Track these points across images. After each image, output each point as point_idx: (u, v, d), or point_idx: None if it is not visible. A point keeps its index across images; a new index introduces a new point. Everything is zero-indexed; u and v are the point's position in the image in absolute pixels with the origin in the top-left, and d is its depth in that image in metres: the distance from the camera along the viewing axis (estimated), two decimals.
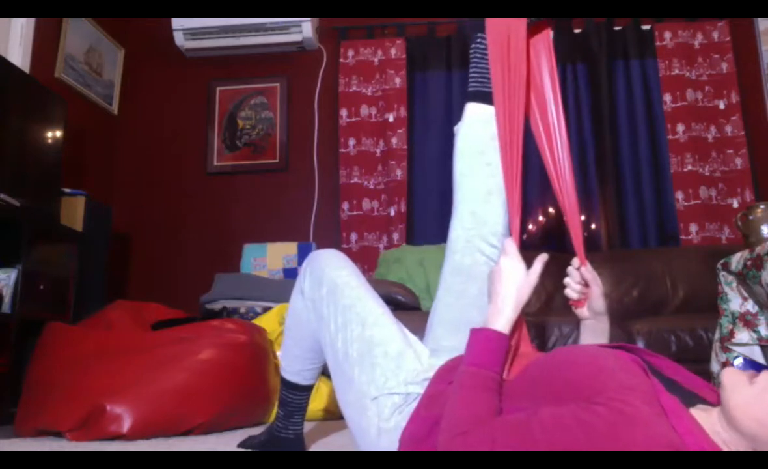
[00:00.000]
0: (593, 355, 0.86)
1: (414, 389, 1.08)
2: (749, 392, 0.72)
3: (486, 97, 1.23)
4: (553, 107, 1.24)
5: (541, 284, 1.15)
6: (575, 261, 1.18)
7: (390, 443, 1.06)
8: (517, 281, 1.02)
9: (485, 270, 1.18)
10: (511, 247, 1.07)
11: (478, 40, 1.27)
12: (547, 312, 2.79)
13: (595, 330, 1.18)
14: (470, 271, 1.20)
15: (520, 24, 1.20)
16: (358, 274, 1.27)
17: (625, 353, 0.87)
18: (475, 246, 1.20)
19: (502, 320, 0.99)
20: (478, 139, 1.23)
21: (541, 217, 3.58)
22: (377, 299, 1.23)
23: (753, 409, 0.71)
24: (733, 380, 0.74)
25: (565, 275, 1.18)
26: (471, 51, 1.29)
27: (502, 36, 1.21)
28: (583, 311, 1.18)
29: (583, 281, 1.16)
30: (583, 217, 3.56)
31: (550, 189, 3.49)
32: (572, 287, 1.17)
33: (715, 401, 0.81)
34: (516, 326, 1.02)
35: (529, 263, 1.06)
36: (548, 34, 1.27)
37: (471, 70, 1.28)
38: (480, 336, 0.98)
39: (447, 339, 1.19)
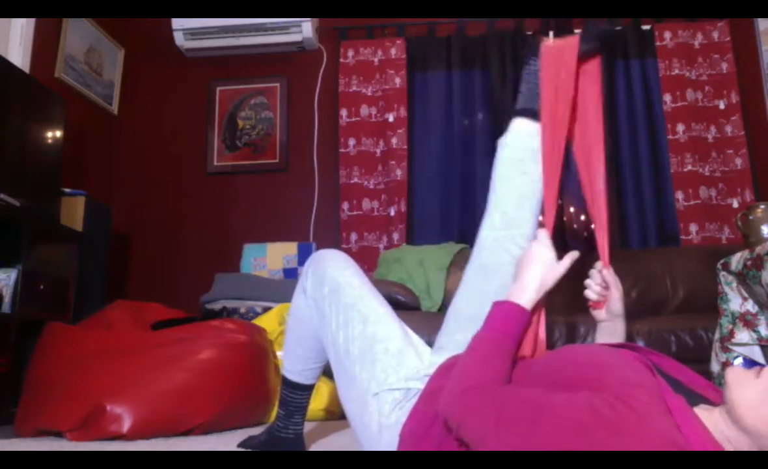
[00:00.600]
0: (599, 352, 0.86)
1: (414, 385, 1.09)
2: (754, 390, 0.72)
3: (532, 114, 1.31)
4: (595, 131, 1.30)
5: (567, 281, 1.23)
6: (598, 264, 1.22)
7: (391, 438, 1.07)
8: (545, 265, 1.08)
9: (509, 270, 1.21)
10: (544, 236, 1.13)
11: (531, 62, 1.35)
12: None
13: (611, 332, 1.20)
14: (494, 269, 1.24)
15: (571, 49, 1.30)
16: (360, 273, 1.28)
17: (630, 352, 0.87)
18: (503, 246, 1.25)
19: (525, 297, 1.04)
20: (520, 149, 1.30)
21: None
22: (379, 298, 1.25)
23: (758, 407, 0.71)
24: (738, 378, 0.74)
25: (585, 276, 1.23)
26: (523, 71, 1.38)
27: (556, 60, 1.30)
28: (600, 313, 1.21)
29: (604, 283, 1.20)
30: (583, 217, 3.56)
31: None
32: (593, 289, 1.21)
33: (718, 401, 0.81)
34: (536, 310, 1.06)
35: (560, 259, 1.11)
36: (597, 62, 1.35)
37: (522, 87, 1.37)
38: (502, 307, 1.03)
39: (459, 333, 1.21)
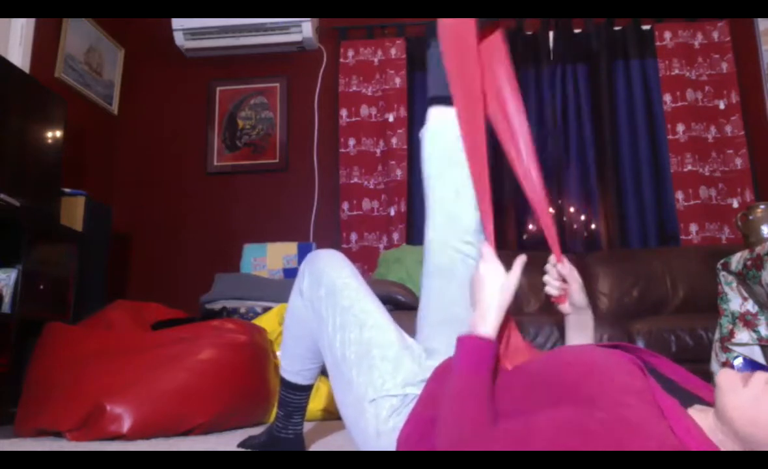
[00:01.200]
0: (591, 356, 0.86)
1: (411, 391, 1.09)
2: (744, 394, 0.72)
3: (446, 101, 1.24)
4: (513, 104, 1.24)
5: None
6: (552, 258, 1.19)
7: (389, 444, 1.06)
8: (497, 284, 1.03)
9: (463, 268, 1.20)
10: (488, 252, 1.08)
11: (431, 45, 1.29)
12: (549, 312, 2.78)
13: (579, 324, 1.19)
14: (448, 270, 1.22)
15: (468, 26, 1.21)
16: (357, 275, 1.27)
17: (623, 354, 0.87)
18: (450, 245, 1.22)
19: (487, 326, 0.99)
20: (444, 140, 1.26)
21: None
22: (376, 301, 1.23)
23: (747, 411, 0.71)
24: (727, 382, 0.74)
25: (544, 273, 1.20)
26: (427, 56, 1.32)
27: (455, 39, 1.22)
28: (565, 307, 1.20)
29: (560, 277, 1.18)
30: (583, 217, 3.56)
31: (550, 189, 3.43)
32: (551, 284, 1.19)
33: (712, 401, 0.81)
34: (504, 325, 1.03)
35: (522, 265, 1.06)
36: (499, 33, 1.28)
37: (429, 75, 1.31)
38: (466, 343, 0.98)
39: (436, 340, 1.20)
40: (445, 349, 1.17)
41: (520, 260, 1.06)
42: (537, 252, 1.22)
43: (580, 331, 1.19)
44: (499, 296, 1.02)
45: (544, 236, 1.22)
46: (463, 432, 0.84)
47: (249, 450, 1.54)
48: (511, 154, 1.24)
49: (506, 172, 3.35)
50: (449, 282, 1.21)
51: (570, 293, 1.17)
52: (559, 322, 2.53)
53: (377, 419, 1.08)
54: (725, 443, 0.74)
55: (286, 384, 1.45)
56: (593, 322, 1.20)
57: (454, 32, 1.22)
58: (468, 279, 1.15)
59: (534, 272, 1.19)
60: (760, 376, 0.72)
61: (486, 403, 0.89)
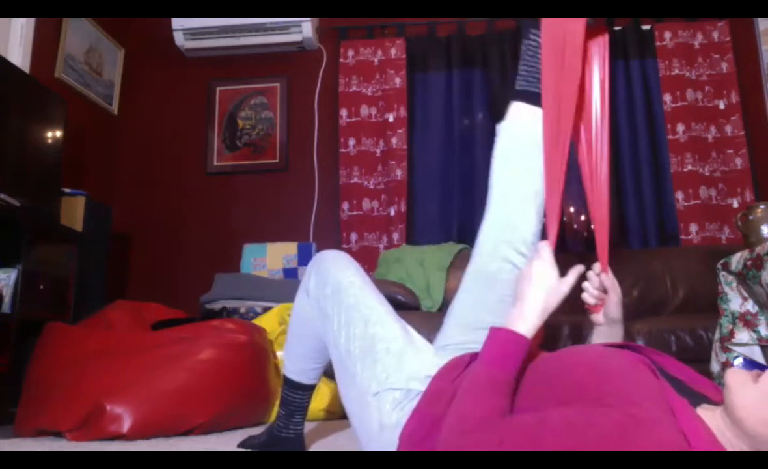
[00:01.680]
0: (601, 356, 0.85)
1: (415, 385, 1.09)
2: (754, 393, 0.72)
3: (534, 99, 1.18)
4: (599, 117, 1.19)
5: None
6: (596, 266, 1.17)
7: (391, 438, 1.06)
8: (547, 287, 0.99)
9: (509, 278, 1.15)
10: (546, 251, 1.03)
11: (531, 36, 1.20)
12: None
13: (607, 336, 1.17)
14: (494, 277, 1.18)
15: (578, 24, 1.13)
16: (363, 275, 1.27)
17: (632, 354, 0.86)
18: (503, 253, 1.17)
19: (527, 325, 0.95)
20: (521, 141, 1.19)
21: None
22: (381, 299, 1.24)
23: (757, 410, 0.71)
24: (737, 380, 0.74)
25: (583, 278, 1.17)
26: (523, 47, 1.23)
27: (558, 37, 1.14)
28: (598, 317, 1.18)
29: (602, 287, 1.16)
30: (583, 217, 3.56)
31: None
32: (590, 292, 1.17)
33: (719, 400, 0.81)
34: (537, 333, 0.99)
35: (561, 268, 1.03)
36: (605, 37, 1.21)
37: (521, 67, 1.22)
38: (500, 336, 0.94)
39: (459, 337, 1.20)
40: (456, 346, 1.17)
41: (577, 269, 1.03)
42: (560, 254, 1.18)
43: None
44: (545, 300, 0.98)
45: (594, 242, 1.18)
46: (471, 422, 0.83)
47: (249, 450, 1.54)
48: (584, 163, 1.19)
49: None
50: (490, 290, 1.18)
51: (607, 305, 1.15)
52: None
53: (380, 413, 1.08)
54: (733, 443, 0.74)
55: (288, 383, 1.45)
56: (623, 337, 1.17)
57: (562, 30, 1.14)
58: (510, 291, 1.10)
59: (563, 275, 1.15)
60: None
61: (503, 399, 0.87)
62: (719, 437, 0.74)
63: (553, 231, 1.11)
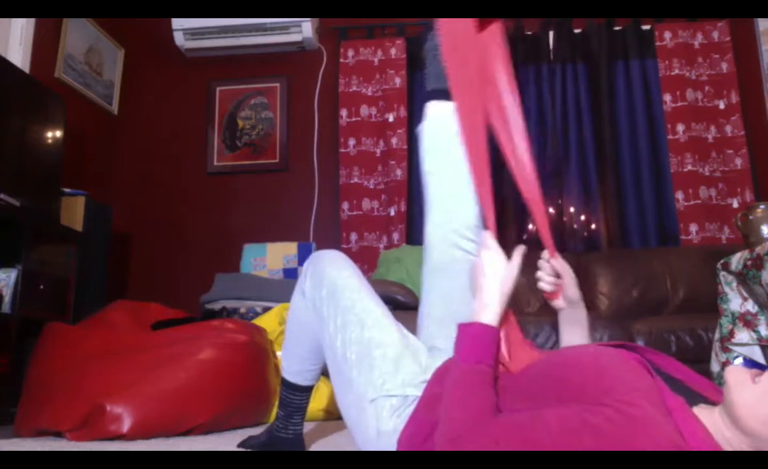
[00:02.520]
0: (596, 355, 0.85)
1: (412, 392, 1.08)
2: (753, 392, 0.72)
3: (444, 95, 1.23)
4: (509, 100, 1.23)
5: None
6: (545, 254, 1.19)
7: (389, 445, 1.06)
8: (499, 272, 1.02)
9: (465, 265, 1.19)
10: (490, 240, 1.07)
11: (428, 38, 1.28)
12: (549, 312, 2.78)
13: (573, 319, 1.19)
14: (450, 267, 1.22)
15: (468, 22, 1.21)
16: (359, 276, 1.27)
17: (628, 353, 0.87)
18: (452, 241, 1.22)
19: (490, 313, 0.99)
20: (442, 135, 1.24)
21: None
22: (377, 301, 1.23)
23: (757, 408, 0.71)
24: (737, 379, 0.74)
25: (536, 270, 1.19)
26: (425, 50, 1.31)
27: (453, 33, 1.21)
28: (558, 302, 1.19)
29: (554, 272, 1.18)
30: (583, 217, 3.56)
31: (550, 189, 3.44)
32: (545, 280, 1.18)
33: (717, 400, 0.81)
34: (504, 317, 1.02)
35: (527, 266, 1.06)
36: (497, 26, 1.27)
37: (428, 69, 1.30)
38: (469, 331, 0.97)
39: (439, 338, 1.20)
40: (448, 347, 1.17)
41: (520, 250, 1.05)
42: (537, 252, 1.21)
43: (575, 325, 1.19)
44: (501, 284, 1.02)
45: (538, 232, 1.21)
46: (462, 425, 0.84)
47: (249, 450, 1.54)
48: (506, 149, 1.22)
49: (506, 174, 3.35)
50: (451, 279, 1.21)
51: (564, 287, 1.17)
52: (555, 322, 2.52)
53: (378, 419, 1.08)
54: (732, 442, 0.74)
55: (287, 384, 1.45)
56: (587, 317, 1.20)
57: (454, 26, 1.21)
58: (469, 277, 1.15)
59: (534, 271, 1.19)
60: None
61: (488, 392, 0.89)
62: (717, 436, 0.74)
63: (490, 218, 1.14)
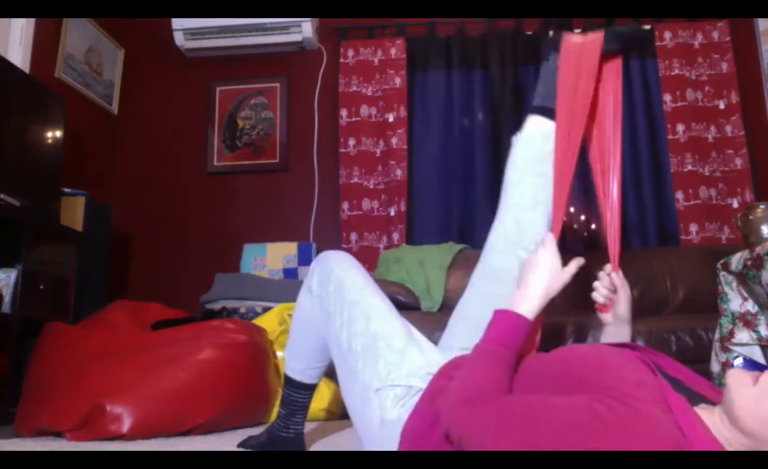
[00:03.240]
0: (601, 352, 0.86)
1: (416, 382, 1.10)
2: (753, 393, 0.72)
3: (549, 113, 1.27)
4: (612, 135, 1.27)
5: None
6: (608, 267, 1.21)
7: (392, 434, 1.07)
8: (551, 272, 1.05)
9: (517, 276, 1.20)
10: (551, 241, 1.10)
11: (551, 59, 1.31)
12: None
13: (616, 337, 1.20)
14: (503, 274, 1.24)
15: (593, 48, 1.25)
16: (365, 274, 1.29)
17: (632, 352, 0.87)
18: (513, 251, 1.24)
19: (528, 306, 1.01)
20: (535, 150, 1.27)
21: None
22: (383, 298, 1.25)
23: (757, 409, 0.71)
24: (737, 381, 0.74)
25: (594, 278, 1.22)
26: (542, 67, 1.34)
27: (577, 58, 1.25)
28: (607, 316, 1.21)
29: (612, 286, 1.20)
30: (583, 217, 3.56)
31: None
32: (600, 292, 1.20)
33: (717, 400, 0.81)
34: (537, 321, 1.04)
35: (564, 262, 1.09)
36: (619, 61, 1.30)
37: (539, 85, 1.33)
38: (504, 316, 1.00)
39: (462, 339, 1.23)
40: (464, 347, 1.19)
41: (578, 260, 1.09)
42: (567, 254, 1.23)
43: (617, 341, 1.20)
44: (548, 284, 1.04)
45: (606, 244, 1.24)
46: (473, 390, 0.87)
47: (249, 450, 1.54)
48: (597, 180, 1.27)
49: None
50: (498, 287, 1.23)
51: (617, 304, 1.19)
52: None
53: (382, 408, 1.09)
54: (732, 443, 0.74)
55: (290, 382, 1.45)
56: (629, 338, 1.21)
57: (579, 51, 1.26)
58: (519, 267, 1.17)
59: (582, 277, 1.20)
60: None
61: (506, 374, 0.91)
62: (717, 435, 0.75)
63: (557, 226, 1.19)
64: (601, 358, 0.84)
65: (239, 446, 1.58)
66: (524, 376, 0.94)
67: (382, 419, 1.09)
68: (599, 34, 1.26)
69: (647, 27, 3.63)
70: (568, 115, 1.22)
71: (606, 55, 1.27)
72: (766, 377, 0.72)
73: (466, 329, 1.24)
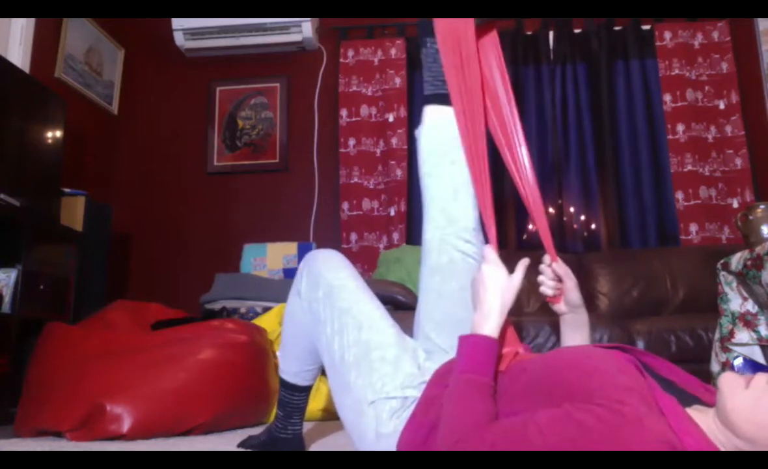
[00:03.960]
0: (590, 356, 0.86)
1: (411, 393, 1.08)
2: (746, 397, 0.72)
3: (443, 99, 1.25)
4: (507, 106, 1.25)
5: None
6: (546, 258, 1.20)
7: (388, 447, 1.06)
8: (500, 286, 1.03)
9: (463, 266, 1.21)
10: (491, 253, 1.08)
11: (428, 44, 1.31)
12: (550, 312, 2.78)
13: (574, 323, 1.20)
14: (448, 268, 1.23)
15: (467, 25, 1.23)
16: (355, 276, 1.26)
17: (621, 354, 0.87)
18: (450, 243, 1.23)
19: (490, 325, 1.00)
20: (441, 139, 1.26)
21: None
22: (375, 302, 1.22)
23: (750, 413, 0.71)
24: (729, 385, 0.74)
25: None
26: (422, 55, 1.33)
27: (452, 38, 1.23)
28: (560, 307, 1.20)
29: (556, 277, 1.19)
30: (583, 217, 3.56)
31: (550, 189, 3.45)
32: (546, 284, 1.19)
33: (711, 402, 0.81)
34: (504, 327, 1.03)
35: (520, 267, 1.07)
36: (495, 33, 1.29)
37: (425, 73, 1.32)
38: (469, 342, 0.98)
39: (437, 340, 1.21)
40: (446, 348, 1.18)
41: (524, 263, 1.06)
42: (537, 252, 1.22)
43: (576, 329, 1.20)
44: (501, 298, 1.02)
45: (538, 235, 1.23)
46: (460, 431, 0.84)
47: (249, 450, 1.54)
48: (505, 155, 1.24)
49: (506, 173, 3.35)
50: (449, 281, 1.22)
51: (565, 292, 1.18)
52: (558, 322, 2.52)
53: (377, 421, 1.08)
54: (725, 444, 0.74)
55: (285, 385, 1.45)
56: (588, 320, 1.21)
57: (453, 30, 1.23)
58: (468, 278, 1.16)
59: (534, 272, 1.20)
60: (761, 377, 0.72)
61: (487, 403, 0.89)
62: (711, 437, 0.74)
63: (491, 231, 1.16)
64: (588, 362, 0.84)
65: (239, 445, 1.58)
66: (516, 382, 0.93)
67: (377, 433, 1.07)
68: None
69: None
70: (461, 94, 1.20)
71: (481, 29, 1.25)
72: (758, 380, 0.72)
73: (436, 330, 1.22)
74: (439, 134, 1.26)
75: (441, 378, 1.06)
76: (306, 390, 1.45)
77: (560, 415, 0.76)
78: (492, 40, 1.28)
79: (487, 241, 1.17)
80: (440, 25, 1.25)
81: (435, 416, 0.97)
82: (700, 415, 0.78)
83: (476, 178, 1.18)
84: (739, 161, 3.44)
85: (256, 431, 1.73)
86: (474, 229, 1.24)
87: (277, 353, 2.39)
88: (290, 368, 1.42)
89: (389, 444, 1.06)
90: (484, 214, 1.17)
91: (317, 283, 1.24)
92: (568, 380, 0.83)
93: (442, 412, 0.91)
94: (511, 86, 1.27)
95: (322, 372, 1.46)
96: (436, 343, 1.21)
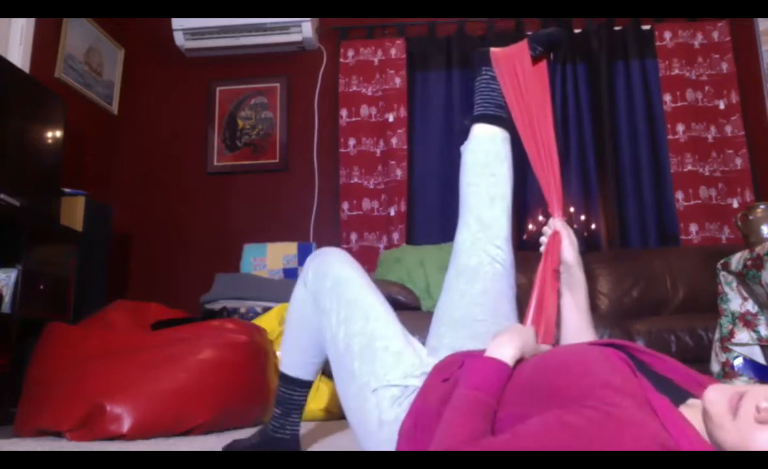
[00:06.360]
0: (582, 357, 0.86)
1: (412, 382, 1.10)
2: (732, 432, 0.70)
3: (491, 119, 1.39)
4: (544, 122, 1.37)
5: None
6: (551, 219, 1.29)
7: (390, 434, 1.07)
8: (526, 338, 1.01)
9: (489, 270, 1.28)
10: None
11: (484, 72, 1.43)
12: None
13: (569, 283, 1.23)
14: (475, 270, 1.30)
15: (522, 50, 1.38)
16: (362, 272, 1.28)
17: (613, 352, 0.87)
18: (481, 247, 1.31)
19: (506, 351, 0.97)
20: (484, 153, 1.38)
21: (541, 218, 3.58)
22: (380, 297, 1.25)
23: (738, 445, 0.70)
24: (717, 414, 0.72)
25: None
26: (476, 82, 1.45)
27: (510, 65, 1.38)
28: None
29: (554, 231, 1.26)
30: (583, 217, 3.56)
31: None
32: (544, 241, 1.28)
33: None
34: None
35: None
36: (545, 63, 1.42)
37: (477, 98, 1.44)
38: (485, 361, 0.96)
39: (449, 335, 1.25)
40: (454, 347, 1.20)
41: (547, 346, 1.10)
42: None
43: (571, 290, 1.23)
44: (523, 345, 0.99)
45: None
46: (453, 444, 0.83)
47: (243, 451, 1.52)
48: (530, 145, 1.36)
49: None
50: (474, 282, 1.29)
51: (562, 250, 1.22)
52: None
53: (379, 409, 1.10)
54: (718, 445, 0.74)
55: (285, 379, 1.42)
56: (584, 281, 1.24)
57: (511, 58, 1.39)
58: (492, 282, 1.26)
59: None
60: (749, 402, 0.69)
61: (486, 423, 0.88)
62: (704, 435, 0.74)
63: (557, 199, 1.30)
64: (582, 364, 0.84)
65: (224, 449, 1.50)
66: (510, 395, 0.92)
67: (379, 420, 1.09)
68: (522, 43, 1.40)
69: (577, 31, 3.64)
70: (524, 116, 1.35)
71: (534, 61, 1.39)
72: (746, 406, 0.70)
73: (449, 328, 1.28)
74: (483, 148, 1.38)
75: (441, 370, 1.07)
76: (307, 385, 1.43)
77: (551, 422, 0.76)
78: (542, 68, 1.41)
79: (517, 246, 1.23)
80: (497, 55, 1.41)
81: (432, 405, 0.98)
82: (694, 412, 0.77)
83: (546, 187, 1.31)
84: (739, 161, 3.44)
85: (256, 431, 1.73)
86: (505, 238, 1.33)
87: (278, 353, 2.39)
88: (293, 360, 1.40)
89: (391, 431, 1.07)
90: (549, 193, 1.30)
91: (325, 274, 1.27)
92: (562, 383, 0.83)
93: (442, 420, 0.90)
94: (551, 106, 1.39)
95: (323, 372, 1.46)
96: (445, 342, 1.25)
